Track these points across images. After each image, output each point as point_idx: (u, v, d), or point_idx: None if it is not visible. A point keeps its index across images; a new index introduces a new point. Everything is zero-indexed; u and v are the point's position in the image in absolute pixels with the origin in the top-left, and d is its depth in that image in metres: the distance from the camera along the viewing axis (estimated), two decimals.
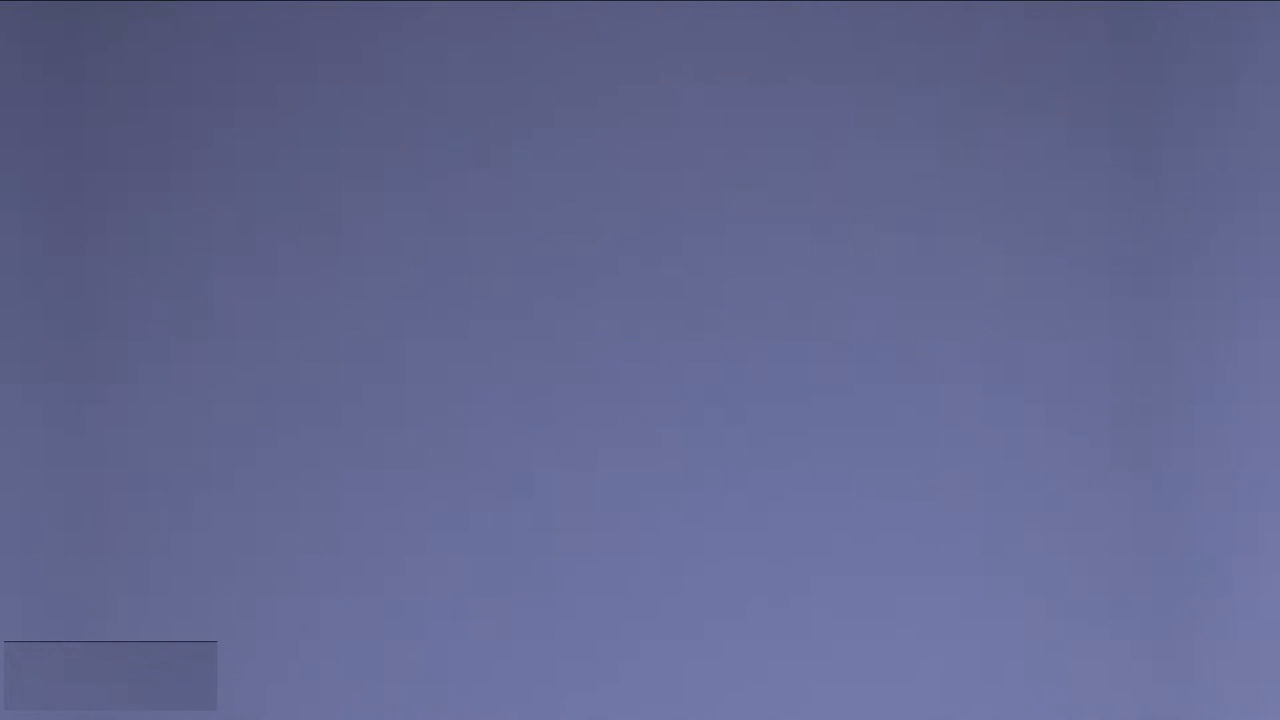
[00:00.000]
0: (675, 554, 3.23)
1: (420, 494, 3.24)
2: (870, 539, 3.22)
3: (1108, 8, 3.26)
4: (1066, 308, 3.23)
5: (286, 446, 3.26)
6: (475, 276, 3.26)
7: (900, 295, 3.24)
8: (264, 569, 3.25)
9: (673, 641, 3.22)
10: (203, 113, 3.30)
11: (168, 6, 3.31)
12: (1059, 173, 3.25)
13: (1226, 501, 2.96)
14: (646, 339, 3.24)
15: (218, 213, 3.29)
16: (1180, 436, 3.11)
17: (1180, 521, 3.12)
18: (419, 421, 3.25)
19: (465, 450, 3.24)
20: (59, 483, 3.20)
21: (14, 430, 3.08)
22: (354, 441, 3.25)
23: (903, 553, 3.21)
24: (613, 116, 3.27)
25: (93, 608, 3.26)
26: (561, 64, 3.28)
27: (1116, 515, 3.22)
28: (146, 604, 3.26)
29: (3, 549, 3.02)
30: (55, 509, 3.19)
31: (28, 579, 3.09)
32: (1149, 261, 3.21)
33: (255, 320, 3.27)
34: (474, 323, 3.26)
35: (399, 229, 3.27)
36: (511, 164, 3.27)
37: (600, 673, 3.22)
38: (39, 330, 3.18)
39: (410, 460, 3.24)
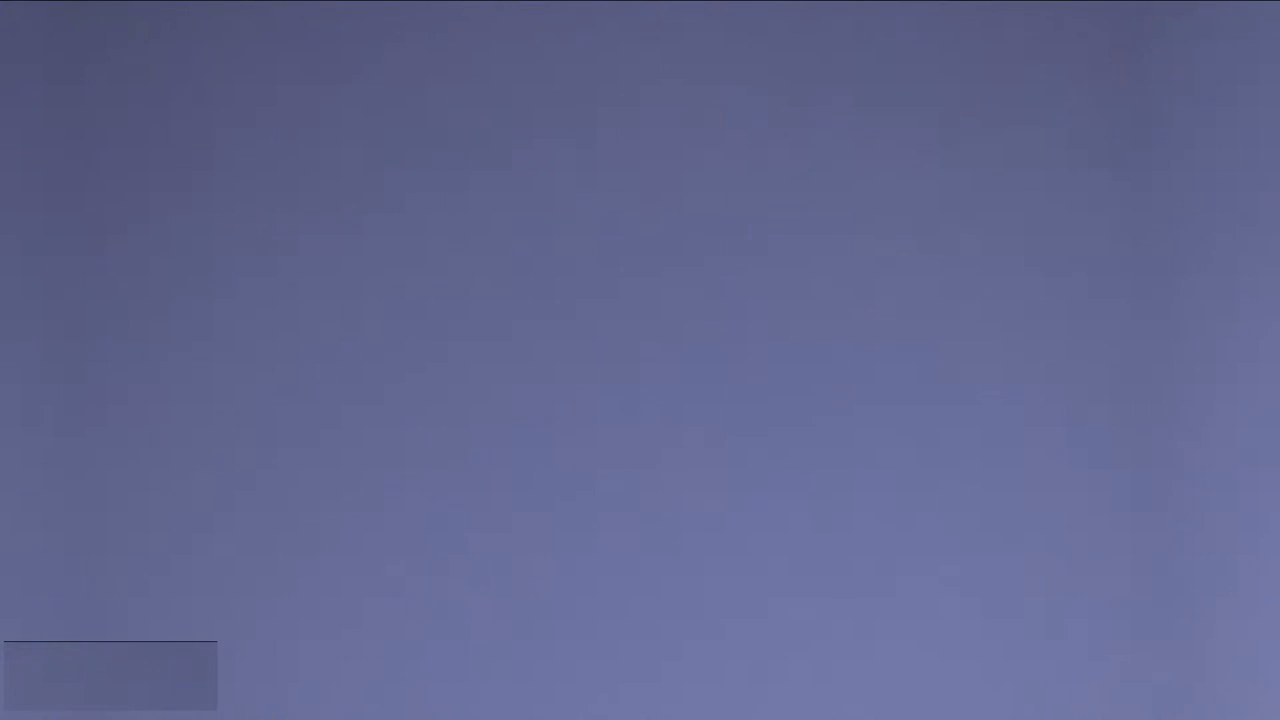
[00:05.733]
0: (685, 557, 3.22)
1: (421, 495, 3.24)
2: (875, 542, 3.22)
3: (1108, 9, 3.26)
4: (1073, 312, 3.23)
5: (287, 447, 3.26)
6: (475, 278, 3.26)
7: (903, 302, 3.24)
8: (264, 569, 3.25)
9: (680, 645, 3.22)
10: (210, 115, 3.30)
11: (177, 7, 3.31)
12: (1063, 176, 3.25)
13: (1230, 507, 2.96)
14: (654, 346, 3.24)
15: (224, 214, 3.29)
16: (1184, 441, 3.11)
17: (1184, 526, 3.12)
18: (421, 423, 3.25)
19: (466, 452, 3.24)
20: (59, 483, 3.20)
21: (15, 430, 3.08)
22: (355, 443, 3.25)
23: (909, 557, 3.21)
24: (621, 122, 3.26)
25: (93, 608, 3.26)
26: (569, 68, 3.27)
27: (1121, 521, 3.22)
28: (146, 604, 3.26)
29: (3, 549, 3.03)
30: (55, 509, 3.19)
31: (28, 579, 3.09)
32: (1153, 264, 3.21)
33: (256, 321, 3.27)
34: (475, 325, 3.25)
35: (404, 231, 3.27)
36: (513, 168, 3.27)
37: (598, 675, 3.22)
38: (40, 330, 3.18)
39: (412, 462, 3.24)
